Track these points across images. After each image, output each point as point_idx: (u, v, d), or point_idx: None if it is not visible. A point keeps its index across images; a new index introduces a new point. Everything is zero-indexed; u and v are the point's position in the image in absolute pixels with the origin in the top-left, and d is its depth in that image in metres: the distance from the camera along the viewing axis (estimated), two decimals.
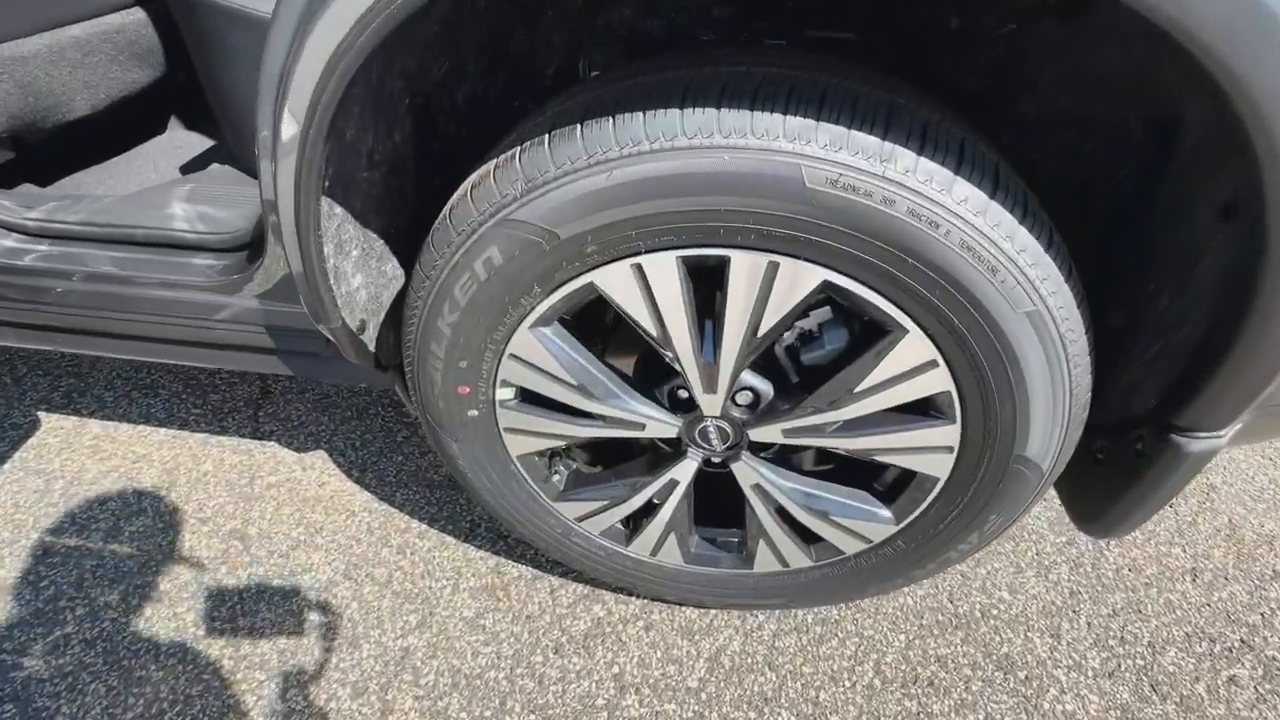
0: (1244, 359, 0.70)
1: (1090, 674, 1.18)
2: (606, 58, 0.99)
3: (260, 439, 1.65)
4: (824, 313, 0.89)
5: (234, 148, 1.47)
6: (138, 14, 1.52)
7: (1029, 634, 1.24)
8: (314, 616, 1.28)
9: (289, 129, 0.70)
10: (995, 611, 1.28)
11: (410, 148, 0.98)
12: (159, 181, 1.55)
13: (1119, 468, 0.88)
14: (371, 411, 1.72)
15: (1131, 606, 1.29)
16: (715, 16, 0.94)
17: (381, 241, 0.99)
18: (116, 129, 1.67)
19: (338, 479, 1.55)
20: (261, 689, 1.17)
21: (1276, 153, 0.57)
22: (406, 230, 1.03)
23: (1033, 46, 0.87)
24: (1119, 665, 1.20)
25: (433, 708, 1.15)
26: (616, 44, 0.98)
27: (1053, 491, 1.51)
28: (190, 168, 1.59)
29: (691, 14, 0.94)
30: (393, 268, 1.03)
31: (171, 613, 1.29)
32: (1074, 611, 1.28)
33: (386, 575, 1.35)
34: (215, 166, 1.47)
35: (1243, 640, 1.23)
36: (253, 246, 1.09)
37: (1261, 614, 1.27)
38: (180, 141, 1.75)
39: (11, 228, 1.17)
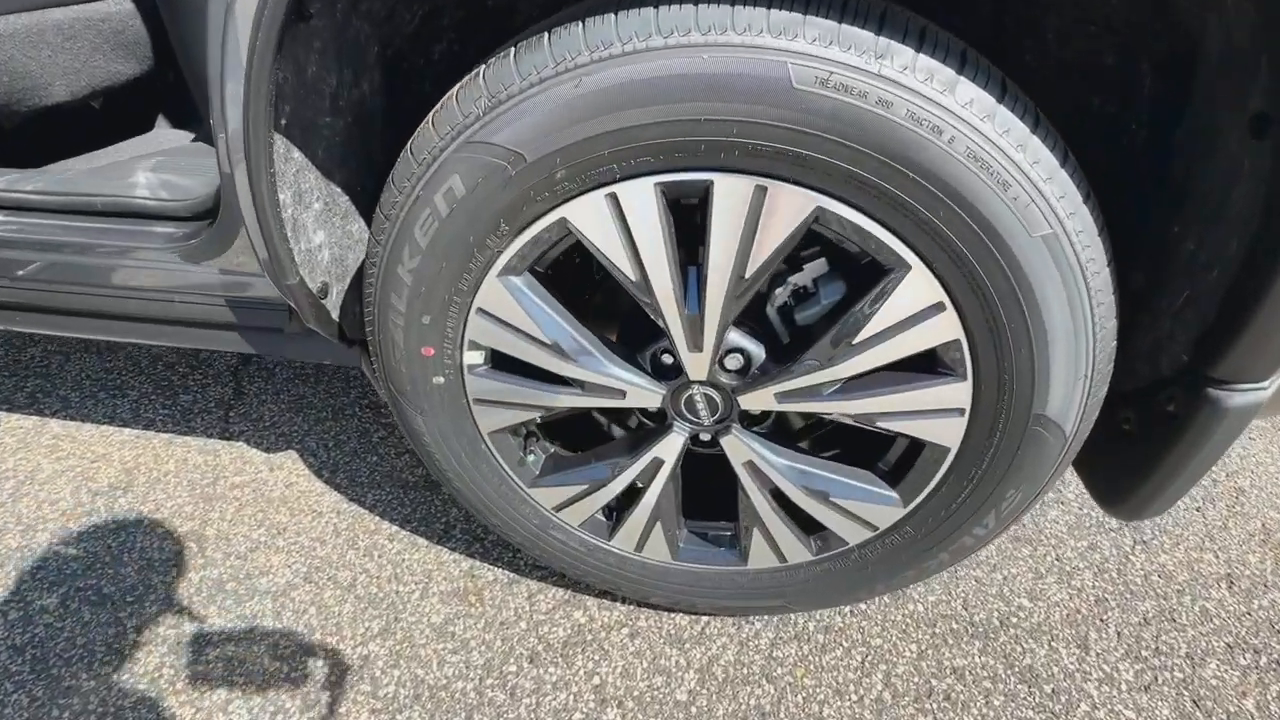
0: None
1: (1124, 688, 1.06)
2: None
3: (229, 439, 1.56)
4: (819, 265, 0.82)
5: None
6: (125, 5, 1.51)
7: (1054, 644, 1.13)
8: (267, 623, 1.16)
9: (240, 29, 0.65)
10: (1015, 620, 1.16)
11: (380, 101, 0.93)
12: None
13: (1149, 435, 0.80)
14: (348, 412, 1.64)
15: (1164, 615, 1.17)
16: None
17: (347, 198, 0.93)
18: (102, 123, 1.64)
19: (307, 479, 1.45)
20: (201, 701, 1.05)
21: None
22: (375, 191, 0.97)
23: None
24: (1155, 678, 1.08)
25: None
26: None
27: (1070, 495, 1.42)
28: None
29: None
30: (359, 229, 0.97)
31: (113, 618, 1.18)
32: (1102, 620, 1.16)
33: (351, 579, 1.24)
34: (189, 143, 1.43)
35: None
36: (212, 222, 1.03)
37: None
38: (165, 139, 1.72)
39: None
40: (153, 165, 1.15)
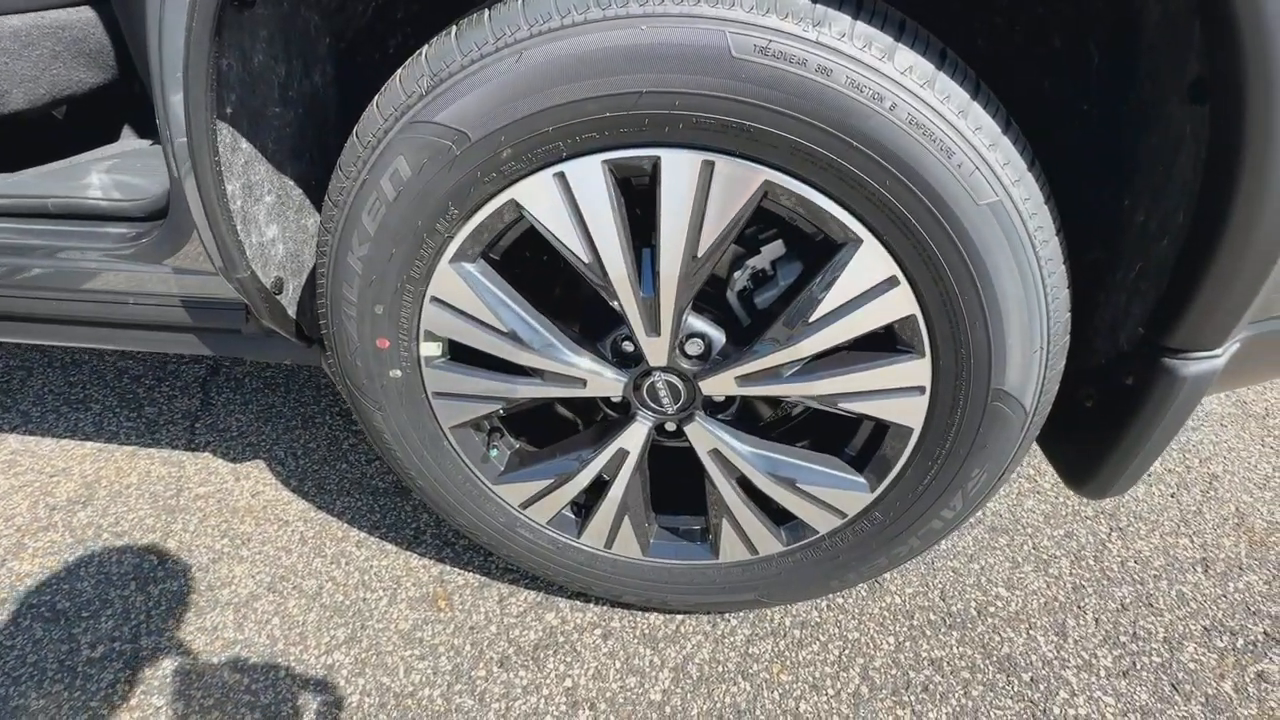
0: (1232, 257, 0.63)
1: (1103, 674, 1.05)
2: None
3: (194, 450, 1.52)
4: (777, 248, 0.82)
5: None
6: (85, 13, 1.49)
7: (1031, 632, 1.11)
8: (228, 635, 1.13)
9: (177, 8, 0.64)
10: (993, 609, 1.15)
11: (334, 94, 0.92)
12: None
13: (1111, 411, 0.79)
14: (318, 420, 1.61)
15: (1141, 600, 1.16)
16: None
17: (301, 192, 0.92)
18: (65, 132, 1.62)
19: (274, 488, 1.42)
20: (157, 717, 1.01)
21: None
22: None
23: None
24: (1134, 664, 1.07)
25: None
26: None
27: (1046, 485, 1.41)
28: None
29: None
30: (315, 223, 0.96)
31: (66, 634, 1.14)
32: (1079, 607, 1.15)
33: (316, 587, 1.21)
34: (146, 145, 1.42)
35: (1267, 633, 1.11)
36: (166, 224, 1.01)
37: None
38: (130, 148, 1.70)
39: None
40: (106, 166, 1.13)
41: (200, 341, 1.08)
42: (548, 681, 1.05)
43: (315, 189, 0.94)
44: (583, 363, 0.85)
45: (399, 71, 0.68)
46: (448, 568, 1.24)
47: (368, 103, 0.97)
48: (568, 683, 1.05)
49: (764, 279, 0.83)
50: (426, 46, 0.66)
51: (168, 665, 1.08)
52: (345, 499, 1.39)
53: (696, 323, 0.83)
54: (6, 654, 1.10)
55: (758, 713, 1.01)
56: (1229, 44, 0.56)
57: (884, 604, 1.16)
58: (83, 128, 1.66)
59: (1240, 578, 1.20)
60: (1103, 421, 0.81)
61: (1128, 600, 1.17)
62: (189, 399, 1.68)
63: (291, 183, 0.90)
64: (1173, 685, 1.04)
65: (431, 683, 1.06)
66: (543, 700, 1.03)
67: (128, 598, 1.20)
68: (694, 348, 0.84)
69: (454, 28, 0.64)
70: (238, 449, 1.52)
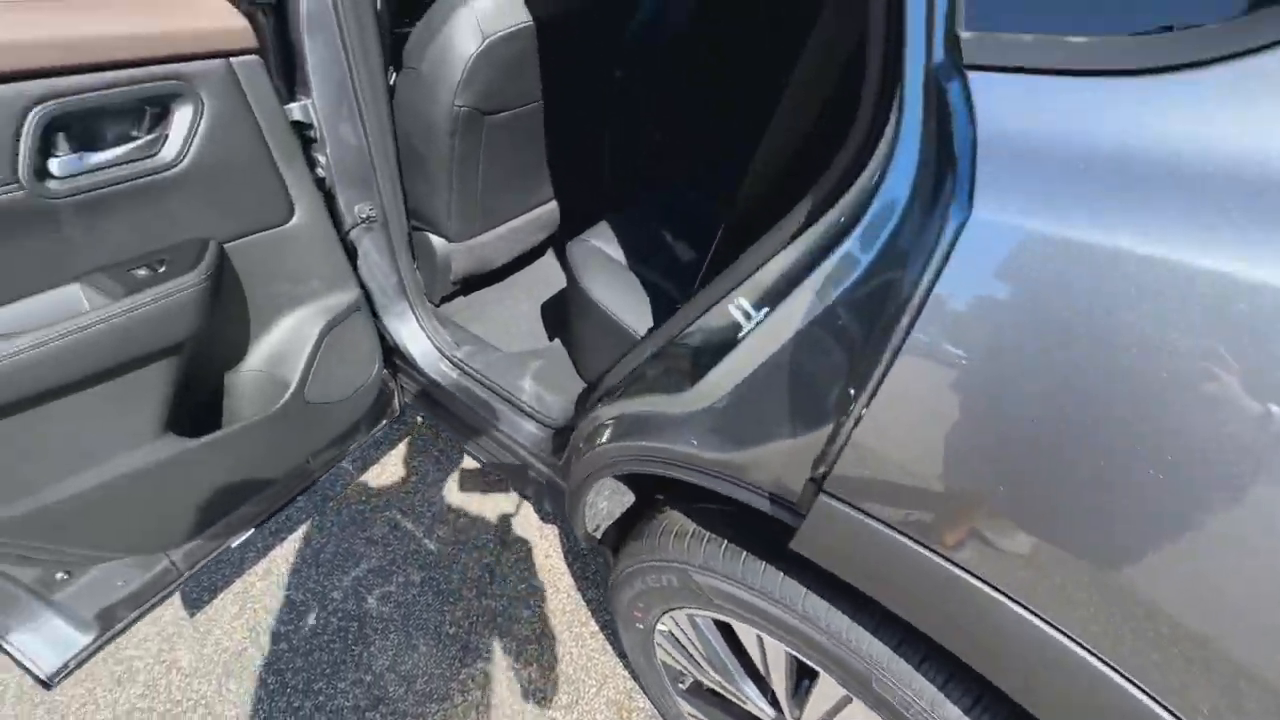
0: None
1: None
2: None
3: (525, 499, 2.32)
4: None
5: (572, 350, 2.05)
6: (551, 204, 2.24)
7: None
8: (510, 659, 1.87)
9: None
10: None
11: None
12: (527, 304, 2.30)
13: None
14: None
15: None
16: None
17: (622, 484, 1.46)
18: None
19: (557, 557, 2.14)
20: (467, 696, 1.80)
21: None
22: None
23: None
24: None
25: None
26: None
27: None
28: (549, 306, 2.29)
29: None
30: (628, 497, 1.50)
31: (439, 610, 2.00)
32: None
33: (561, 654, 1.88)
34: (557, 343, 2.11)
35: None
36: (559, 434, 1.65)
37: None
38: (547, 271, 2.49)
39: (446, 357, 1.93)
40: (535, 371, 1.82)
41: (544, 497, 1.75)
42: None
43: (626, 480, 1.48)
44: (749, 692, 1.27)
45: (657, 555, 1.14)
46: (636, 690, 1.81)
47: None
48: None
49: None
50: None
51: (477, 664, 1.86)
52: (594, 591, 2.04)
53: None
54: (412, 611, 2.00)
55: None
56: None
57: None
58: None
59: None
60: None
61: None
62: None
63: (619, 481, 1.44)
64: None
65: None
66: None
67: (470, 600, 2.02)
68: None
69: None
70: (545, 508, 2.28)
